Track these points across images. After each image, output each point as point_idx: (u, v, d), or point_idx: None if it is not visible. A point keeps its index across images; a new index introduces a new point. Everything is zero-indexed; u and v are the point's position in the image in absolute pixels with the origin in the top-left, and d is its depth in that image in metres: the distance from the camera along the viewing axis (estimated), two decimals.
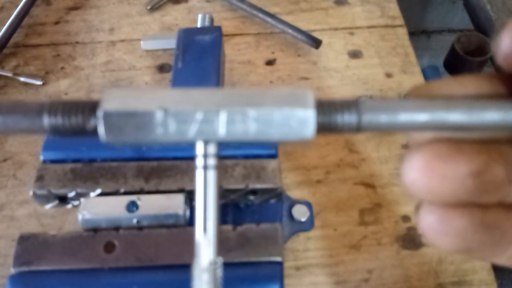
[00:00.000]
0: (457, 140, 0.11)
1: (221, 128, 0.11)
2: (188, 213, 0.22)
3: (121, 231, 0.22)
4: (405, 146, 0.32)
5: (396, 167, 0.31)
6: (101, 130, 0.11)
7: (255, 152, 0.24)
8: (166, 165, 0.24)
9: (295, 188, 0.29)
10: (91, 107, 0.11)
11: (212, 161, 0.12)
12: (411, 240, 0.28)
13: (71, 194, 0.23)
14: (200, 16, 0.35)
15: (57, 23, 0.38)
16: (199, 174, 0.12)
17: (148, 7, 0.38)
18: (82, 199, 0.22)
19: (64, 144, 0.24)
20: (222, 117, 0.11)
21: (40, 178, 0.23)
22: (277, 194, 0.24)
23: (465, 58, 0.36)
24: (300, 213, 0.28)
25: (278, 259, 0.21)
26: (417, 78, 0.35)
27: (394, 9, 0.39)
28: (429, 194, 0.11)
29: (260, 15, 0.37)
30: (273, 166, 0.24)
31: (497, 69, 0.12)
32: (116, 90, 0.11)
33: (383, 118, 0.11)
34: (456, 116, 0.11)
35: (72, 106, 0.11)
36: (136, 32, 0.37)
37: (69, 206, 0.24)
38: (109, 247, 0.21)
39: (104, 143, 0.11)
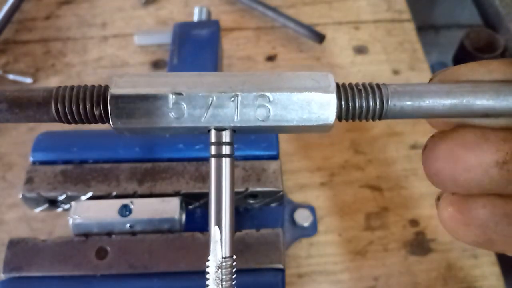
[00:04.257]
0: (482, 127, 0.10)
1: (236, 113, 0.11)
2: (184, 217, 0.21)
3: (114, 237, 0.21)
4: (413, 147, 0.30)
5: (404, 168, 0.30)
6: (109, 115, 0.10)
7: (255, 153, 0.23)
8: (160, 167, 0.23)
9: (298, 191, 0.28)
10: (99, 93, 0.11)
11: (227, 149, 0.11)
12: (419, 245, 0.27)
13: (62, 197, 0.22)
14: (196, 10, 0.33)
15: (48, 18, 0.37)
16: (213, 163, 0.11)
17: (143, 1, 0.37)
18: (73, 203, 0.21)
19: (54, 144, 0.23)
20: (238, 101, 0.10)
21: (29, 181, 0.22)
22: (279, 197, 0.23)
23: (474, 54, 0.34)
24: (303, 217, 0.27)
25: (280, 266, 0.20)
26: (426, 75, 0.34)
27: (400, 3, 0.38)
28: (452, 184, 0.10)
29: (260, 8, 0.36)
30: (274, 168, 0.22)
31: None
32: (126, 74, 0.11)
33: (408, 103, 0.10)
34: (483, 101, 0.10)
35: (79, 92, 0.11)
36: (129, 27, 0.36)
37: (59, 209, 0.23)
38: (101, 253, 0.20)
39: (113, 130, 0.11)
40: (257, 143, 0.23)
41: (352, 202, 0.28)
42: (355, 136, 0.31)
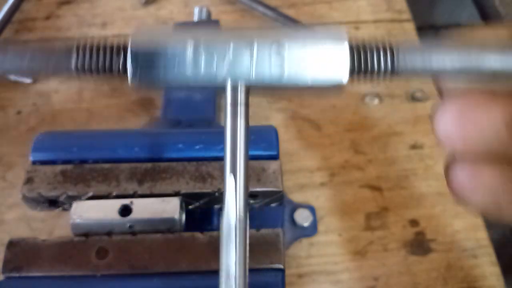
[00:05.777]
0: (491, 91, 0.11)
1: (253, 65, 0.11)
2: (184, 217, 0.21)
3: (114, 236, 0.21)
4: (413, 147, 0.30)
5: (404, 168, 0.30)
6: (129, 68, 0.11)
7: (255, 152, 0.23)
8: (160, 167, 0.23)
9: (298, 191, 0.28)
10: (119, 44, 0.11)
11: (242, 98, 0.11)
12: (419, 245, 0.27)
13: (62, 197, 0.22)
14: (196, 10, 0.33)
15: (48, 18, 0.37)
16: (228, 111, 0.11)
17: (143, 1, 0.37)
18: (73, 203, 0.21)
19: (54, 144, 0.23)
20: (254, 50, 0.11)
21: (29, 180, 0.22)
22: (279, 197, 0.23)
23: None
24: (303, 217, 0.27)
25: (280, 266, 0.20)
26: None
27: (400, 3, 0.38)
28: (463, 144, 0.10)
29: (260, 8, 0.36)
30: (274, 168, 0.22)
31: None
32: (145, 27, 0.11)
33: (418, 60, 0.11)
34: (491, 61, 0.10)
35: (100, 45, 0.11)
36: (129, 27, 0.36)
37: (59, 209, 0.23)
38: (101, 253, 0.20)
39: (133, 84, 0.11)
40: (256, 143, 0.23)
41: (352, 202, 0.28)
42: (355, 136, 0.31)
